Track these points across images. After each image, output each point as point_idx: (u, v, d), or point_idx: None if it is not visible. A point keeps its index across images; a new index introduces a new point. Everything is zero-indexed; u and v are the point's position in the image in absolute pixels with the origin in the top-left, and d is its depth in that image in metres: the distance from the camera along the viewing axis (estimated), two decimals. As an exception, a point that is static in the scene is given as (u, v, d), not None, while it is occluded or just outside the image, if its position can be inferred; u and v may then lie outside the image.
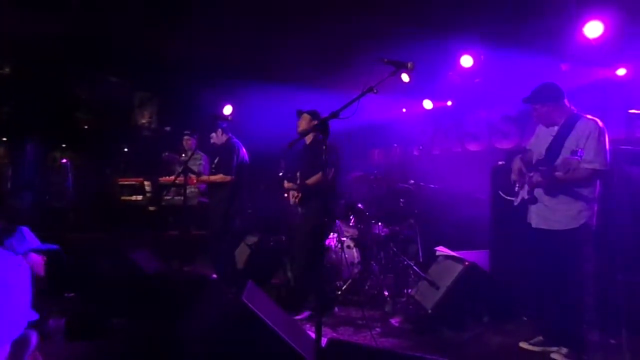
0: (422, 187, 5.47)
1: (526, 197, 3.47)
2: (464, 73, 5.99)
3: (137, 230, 5.88)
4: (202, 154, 6.02)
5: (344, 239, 5.08)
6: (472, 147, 6.95)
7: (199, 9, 5.24)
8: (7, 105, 8.23)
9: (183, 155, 5.95)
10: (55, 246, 2.55)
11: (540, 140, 3.54)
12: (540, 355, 3.40)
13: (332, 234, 5.07)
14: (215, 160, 5.11)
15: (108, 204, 6.33)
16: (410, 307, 4.44)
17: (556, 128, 3.41)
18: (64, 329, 3.36)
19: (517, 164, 3.53)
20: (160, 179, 5.85)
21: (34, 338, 0.76)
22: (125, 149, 9.16)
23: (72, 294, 4.11)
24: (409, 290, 4.65)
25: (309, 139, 4.45)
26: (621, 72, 5.09)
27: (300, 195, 4.40)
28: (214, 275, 4.94)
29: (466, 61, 5.79)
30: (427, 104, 7.12)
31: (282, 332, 2.43)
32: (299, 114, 4.45)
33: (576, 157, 2.94)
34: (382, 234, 5.18)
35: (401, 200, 5.44)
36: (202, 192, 5.89)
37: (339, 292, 4.80)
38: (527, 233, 3.57)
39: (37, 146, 8.29)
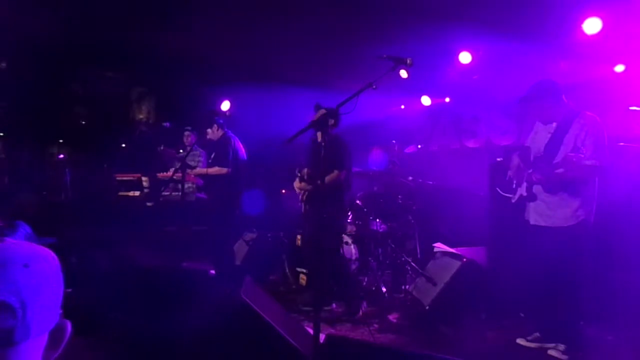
0: (420, 183, 5.47)
1: (524, 194, 3.47)
2: (463, 69, 5.99)
3: (134, 225, 5.86)
4: (201, 150, 6.01)
5: (342, 235, 5.08)
6: (470, 143, 6.95)
7: (196, 4, 5.22)
8: (4, 101, 8.19)
9: (182, 150, 5.94)
10: (51, 239, 2.55)
11: (538, 137, 3.53)
12: (537, 352, 3.41)
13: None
14: (212, 156, 5.11)
15: (105, 200, 6.32)
16: (408, 303, 4.45)
17: (554, 125, 3.41)
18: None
19: (515, 160, 3.53)
20: (158, 174, 5.84)
21: (69, 326, 0.77)
22: (123, 145, 9.13)
23: (69, 290, 4.10)
24: (407, 287, 4.66)
25: (325, 137, 4.39)
26: (619, 68, 5.09)
27: (307, 193, 4.40)
28: (212, 271, 4.93)
29: (464, 58, 5.79)
30: (426, 101, 7.12)
31: (280, 328, 2.43)
32: (317, 108, 4.36)
33: (578, 154, 2.94)
34: (380, 230, 5.18)
35: (399, 196, 5.44)
36: (200, 188, 5.88)
37: (336, 289, 4.81)
38: (524, 230, 3.57)
39: (34, 142, 8.26)
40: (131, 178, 6.10)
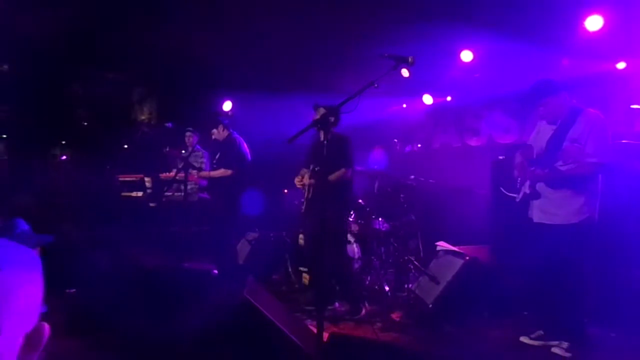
0: (422, 182, 5.47)
1: (528, 191, 3.47)
2: (464, 68, 5.98)
3: (137, 226, 5.88)
4: (203, 150, 6.02)
5: (346, 234, 5.08)
6: (472, 142, 6.94)
7: (197, 5, 5.23)
8: (6, 103, 8.21)
9: (183, 151, 5.94)
10: (49, 237, 2.56)
11: (541, 135, 3.53)
12: (540, 350, 3.40)
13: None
14: (217, 156, 5.11)
15: (108, 200, 6.33)
16: (411, 302, 4.45)
17: (558, 122, 3.40)
18: (64, 324, 3.37)
19: (518, 159, 3.52)
20: (161, 175, 5.85)
21: (46, 330, 0.76)
22: (125, 146, 9.15)
23: (72, 290, 4.12)
24: (410, 285, 4.66)
25: (328, 135, 4.39)
26: (621, 65, 5.08)
27: (312, 190, 4.39)
28: (215, 271, 4.94)
29: (466, 56, 5.78)
30: (427, 99, 7.11)
31: (283, 326, 2.43)
32: (316, 107, 4.37)
33: (576, 145, 2.94)
34: (383, 229, 5.18)
35: (401, 195, 5.44)
36: (202, 188, 5.89)
37: (339, 288, 4.81)
38: (527, 228, 3.56)
39: (37, 143, 8.28)
40: (134, 179, 6.12)
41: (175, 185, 5.64)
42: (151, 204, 5.94)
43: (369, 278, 4.98)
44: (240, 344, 2.53)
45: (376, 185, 5.58)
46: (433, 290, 4.15)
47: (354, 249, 5.10)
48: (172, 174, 5.42)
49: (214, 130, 5.09)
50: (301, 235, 5.26)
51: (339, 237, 4.26)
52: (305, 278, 5.16)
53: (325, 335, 2.26)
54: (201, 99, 7.53)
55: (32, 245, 2.46)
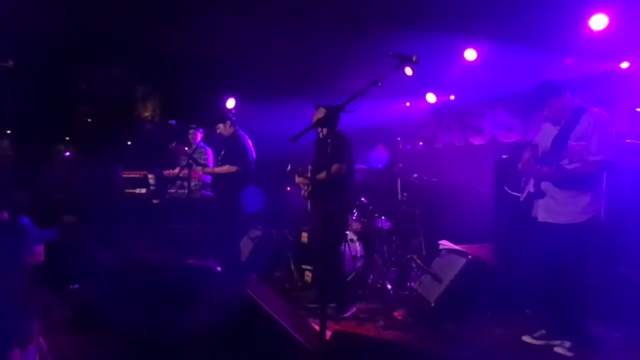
0: (425, 181, 5.47)
1: (532, 190, 3.46)
2: (468, 66, 5.97)
3: (141, 223, 5.90)
4: (206, 147, 6.02)
5: (347, 232, 5.09)
6: (476, 140, 6.93)
7: (201, 3, 5.23)
8: (11, 99, 8.23)
9: (187, 148, 5.95)
10: (53, 232, 2.57)
11: (546, 135, 3.53)
12: (543, 349, 3.41)
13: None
14: (222, 152, 5.11)
15: (112, 197, 6.35)
16: (413, 300, 4.46)
17: (562, 121, 3.40)
18: (68, 320, 3.39)
19: (527, 154, 3.52)
20: (164, 172, 5.86)
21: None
22: (129, 142, 9.16)
23: (76, 286, 4.14)
24: (412, 284, 4.66)
25: (322, 133, 4.41)
26: (625, 65, 5.07)
27: (310, 188, 4.40)
28: (218, 268, 4.96)
29: (470, 55, 5.77)
30: (431, 98, 7.10)
31: (286, 324, 2.44)
32: (317, 107, 4.39)
33: (582, 143, 2.94)
34: (385, 227, 5.19)
35: (404, 194, 5.44)
36: (206, 185, 5.89)
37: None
38: (531, 227, 3.56)
39: (41, 139, 8.30)
40: (137, 175, 6.13)
41: (178, 182, 5.65)
42: (154, 201, 5.95)
43: (371, 276, 4.99)
44: (243, 341, 2.54)
45: (379, 184, 5.59)
46: (435, 288, 4.16)
47: (356, 247, 5.11)
48: (176, 171, 5.43)
49: (220, 125, 5.09)
50: (304, 233, 5.28)
51: (335, 235, 4.25)
52: (308, 276, 5.17)
53: (328, 333, 2.26)
54: (205, 97, 7.53)
55: (37, 241, 2.48)
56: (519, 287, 4.13)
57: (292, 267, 5.40)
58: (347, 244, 4.92)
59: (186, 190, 5.06)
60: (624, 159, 3.77)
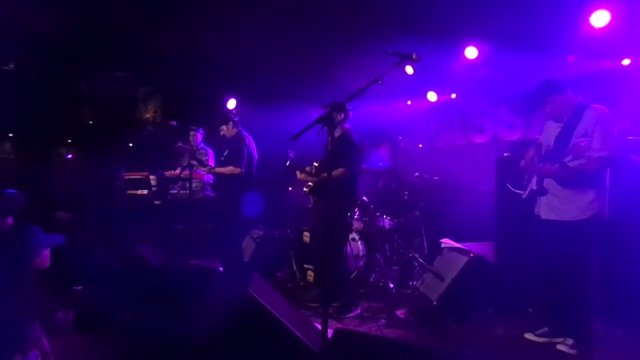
0: (426, 179, 5.46)
1: (535, 187, 3.46)
2: (469, 65, 5.96)
3: (143, 224, 5.91)
4: (207, 148, 6.03)
5: (348, 233, 5.08)
6: (477, 139, 6.93)
7: (202, 3, 5.23)
8: (13, 101, 8.25)
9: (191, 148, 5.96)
10: (59, 237, 2.59)
11: (549, 133, 3.52)
12: (545, 347, 3.40)
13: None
14: (225, 153, 5.11)
15: (114, 198, 6.36)
16: (415, 299, 4.45)
17: (565, 119, 3.40)
18: (72, 321, 3.40)
19: (530, 152, 3.52)
20: (166, 173, 5.87)
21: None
22: (130, 144, 9.17)
23: (79, 287, 4.15)
24: (414, 282, 4.66)
25: (337, 132, 4.31)
26: (626, 62, 5.05)
27: (312, 186, 4.39)
28: (220, 268, 4.96)
29: (471, 53, 5.75)
30: (432, 97, 7.10)
31: (288, 322, 2.44)
32: (324, 108, 4.34)
33: (586, 139, 2.93)
34: (387, 226, 5.19)
35: (406, 192, 5.44)
36: (208, 186, 5.90)
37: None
38: (534, 225, 3.55)
39: (43, 142, 8.32)
40: (139, 177, 6.14)
41: (180, 182, 5.65)
42: (156, 202, 5.96)
43: (373, 275, 4.99)
44: (245, 341, 2.55)
45: (380, 183, 5.59)
46: (437, 287, 4.15)
47: (358, 246, 5.11)
48: (177, 171, 5.44)
49: (223, 127, 5.09)
50: (306, 233, 5.28)
51: (337, 236, 4.24)
52: (310, 275, 5.17)
53: (330, 332, 2.27)
54: (206, 98, 7.54)
55: (44, 247, 2.49)
56: (521, 285, 4.13)
57: (294, 267, 5.40)
58: (349, 242, 4.93)
59: (188, 191, 5.06)
60: (627, 156, 3.76)
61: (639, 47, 4.82)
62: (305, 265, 5.27)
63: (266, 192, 5.74)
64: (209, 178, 5.70)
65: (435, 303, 4.04)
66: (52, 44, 6.40)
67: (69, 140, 9.39)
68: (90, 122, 9.12)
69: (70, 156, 9.35)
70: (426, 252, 5.16)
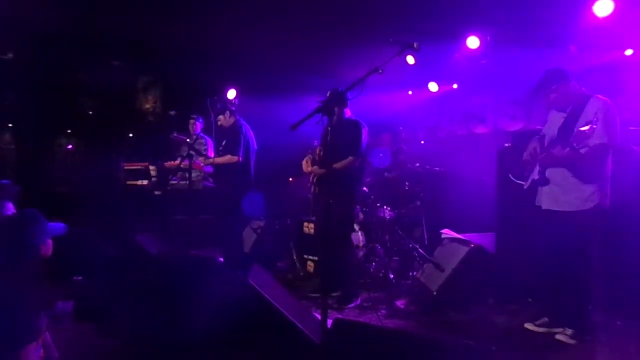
0: (427, 170, 5.45)
1: (536, 177, 3.44)
2: (470, 55, 5.92)
3: (143, 214, 5.90)
4: (206, 137, 6.00)
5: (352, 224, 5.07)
6: (478, 129, 6.90)
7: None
8: (12, 91, 8.22)
9: (187, 140, 5.94)
10: (61, 226, 2.58)
11: (552, 123, 3.50)
12: (545, 336, 3.41)
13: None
14: (223, 143, 5.09)
15: (114, 189, 6.35)
16: (416, 289, 4.46)
17: (568, 109, 3.38)
18: (72, 311, 3.40)
19: (534, 143, 3.50)
20: (166, 163, 5.85)
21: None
22: (130, 134, 9.16)
23: (79, 278, 4.15)
24: (414, 273, 4.67)
25: (339, 120, 4.28)
26: (629, 52, 5.01)
27: (317, 176, 4.35)
28: (221, 259, 4.97)
29: (472, 42, 5.71)
30: (433, 87, 7.06)
31: (287, 312, 2.44)
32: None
33: (590, 126, 2.91)
34: (388, 217, 5.18)
35: (406, 183, 5.43)
36: (207, 176, 5.89)
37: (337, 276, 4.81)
38: (534, 215, 3.54)
39: (43, 132, 8.30)
40: (139, 167, 6.12)
41: (180, 173, 5.64)
42: (156, 192, 5.95)
43: (373, 266, 4.99)
44: (245, 331, 2.55)
45: (381, 173, 5.57)
46: (438, 277, 4.16)
47: (358, 236, 5.11)
48: (177, 162, 5.42)
49: (220, 117, 5.07)
50: (306, 223, 5.28)
51: (343, 227, 4.22)
52: (310, 266, 5.18)
53: (330, 322, 2.26)
54: (206, 87, 7.50)
55: (48, 235, 2.48)
56: (521, 275, 4.13)
57: (295, 257, 5.41)
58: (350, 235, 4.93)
59: (187, 182, 5.04)
60: (629, 146, 3.74)
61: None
62: (306, 256, 5.27)
63: (266, 183, 5.73)
64: (209, 168, 5.69)
65: (435, 293, 4.05)
66: (52, 34, 6.37)
67: (69, 131, 9.37)
68: (90, 112, 9.10)
69: (70, 147, 9.34)
70: (426, 242, 5.16)
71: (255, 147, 5.10)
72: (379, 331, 2.27)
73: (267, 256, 5.45)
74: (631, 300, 3.54)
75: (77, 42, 6.64)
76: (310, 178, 4.50)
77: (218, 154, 5.17)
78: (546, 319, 3.51)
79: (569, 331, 3.32)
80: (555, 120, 3.47)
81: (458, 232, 4.47)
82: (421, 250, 4.68)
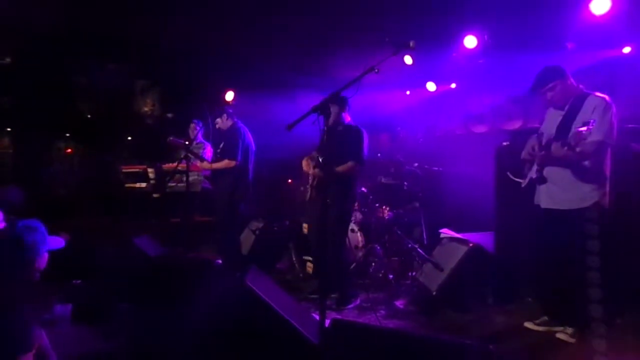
0: (426, 170, 5.44)
1: (534, 176, 3.43)
2: (468, 54, 5.91)
3: (141, 217, 5.90)
4: (205, 142, 6.00)
5: (349, 226, 5.06)
6: (477, 129, 6.89)
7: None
8: (9, 96, 8.22)
9: (187, 142, 5.93)
10: (60, 240, 2.56)
11: (550, 122, 3.49)
12: (545, 335, 3.40)
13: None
14: (221, 145, 5.08)
15: (112, 192, 6.35)
16: (415, 289, 4.45)
17: (566, 107, 3.37)
18: (70, 314, 3.39)
19: (532, 141, 3.49)
20: (164, 165, 5.85)
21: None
22: (129, 137, 9.16)
23: (78, 281, 4.14)
24: (413, 273, 4.66)
25: (339, 124, 4.27)
26: (627, 50, 5.01)
27: (317, 180, 4.33)
28: (219, 261, 4.96)
29: (470, 42, 5.70)
30: (431, 87, 7.05)
31: (285, 314, 2.43)
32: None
33: (588, 127, 2.90)
34: (386, 217, 5.18)
35: (405, 183, 5.42)
36: (206, 179, 5.88)
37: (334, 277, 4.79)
38: (533, 214, 3.53)
39: (41, 136, 8.30)
40: (137, 170, 6.12)
41: (178, 175, 5.63)
42: (155, 195, 5.94)
43: (372, 266, 4.98)
44: (243, 333, 2.54)
45: (380, 174, 5.57)
46: (437, 277, 4.15)
47: (357, 237, 5.10)
48: (175, 164, 5.41)
49: (218, 120, 5.06)
50: (305, 225, 5.26)
51: (339, 227, 4.21)
52: (309, 267, 5.17)
53: (328, 322, 2.25)
54: (204, 90, 7.50)
55: (45, 246, 2.46)
56: (520, 274, 4.12)
57: (294, 259, 5.40)
58: (347, 237, 4.91)
59: (185, 184, 5.03)
60: (627, 145, 3.73)
61: (638, 34, 4.77)
62: (305, 257, 5.26)
63: (265, 184, 5.72)
64: (207, 171, 5.68)
65: (434, 293, 4.04)
66: (50, 37, 6.37)
67: (67, 134, 9.38)
68: (89, 115, 9.10)
69: (69, 150, 9.34)
70: (425, 242, 5.15)
71: (254, 148, 5.09)
72: (377, 331, 2.26)
73: (266, 258, 5.44)
74: (631, 298, 3.53)
75: (76, 46, 6.64)
76: (310, 180, 4.49)
77: (216, 156, 5.17)
78: (546, 318, 3.50)
79: (569, 330, 3.31)
80: (552, 118, 3.46)
81: (457, 231, 4.46)
82: (420, 250, 4.67)
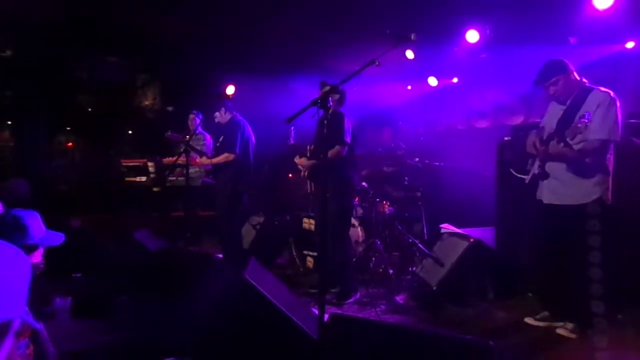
0: (427, 164, 5.42)
1: (537, 171, 3.41)
2: (470, 49, 5.87)
3: (141, 211, 5.90)
4: (205, 133, 5.98)
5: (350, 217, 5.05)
6: (479, 124, 6.87)
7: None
8: (10, 89, 8.21)
9: (187, 137, 5.92)
10: (59, 235, 2.54)
11: (552, 116, 3.46)
12: (545, 331, 3.39)
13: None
14: (220, 139, 5.06)
15: (112, 186, 6.35)
16: (415, 284, 4.44)
17: (568, 102, 3.34)
18: (70, 307, 3.39)
19: (531, 138, 3.47)
20: (164, 159, 5.83)
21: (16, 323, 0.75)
22: (129, 131, 9.15)
23: (79, 275, 4.14)
24: (414, 268, 4.65)
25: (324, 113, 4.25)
26: (630, 45, 4.97)
27: (308, 170, 4.32)
28: (219, 255, 4.96)
29: (472, 36, 5.66)
30: (432, 81, 7.02)
31: (284, 308, 2.42)
32: (322, 85, 4.12)
33: (583, 121, 2.88)
34: (387, 212, 5.16)
35: (406, 178, 5.40)
36: (207, 172, 5.87)
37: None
38: (535, 209, 3.51)
39: (41, 129, 8.30)
40: (137, 163, 6.12)
41: (178, 169, 5.63)
42: (155, 189, 5.93)
43: (373, 260, 4.97)
44: (242, 327, 2.53)
45: (380, 168, 5.55)
46: (437, 272, 4.14)
47: (358, 232, 5.09)
48: (174, 158, 5.40)
49: (217, 113, 5.04)
50: (305, 219, 5.25)
51: (340, 221, 4.19)
52: (310, 261, 5.16)
53: (327, 317, 2.24)
54: (204, 83, 7.48)
55: (40, 242, 2.42)
56: (521, 269, 4.11)
57: (294, 253, 5.39)
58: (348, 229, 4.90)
59: (185, 178, 5.02)
60: (630, 139, 3.71)
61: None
62: (305, 252, 5.26)
63: (265, 178, 5.71)
64: (208, 165, 5.67)
65: (435, 288, 4.03)
66: (50, 31, 6.35)
67: (68, 128, 9.37)
68: (89, 109, 9.10)
69: (70, 144, 9.34)
70: (426, 237, 5.14)
71: (254, 141, 5.06)
72: (376, 326, 2.26)
73: (267, 252, 5.43)
74: (632, 293, 3.52)
75: (77, 40, 6.62)
76: (302, 173, 4.47)
77: (216, 150, 5.15)
78: (547, 313, 3.49)
79: (570, 325, 3.30)
80: (554, 112, 3.43)
81: (458, 226, 4.45)
82: (421, 245, 4.66)
